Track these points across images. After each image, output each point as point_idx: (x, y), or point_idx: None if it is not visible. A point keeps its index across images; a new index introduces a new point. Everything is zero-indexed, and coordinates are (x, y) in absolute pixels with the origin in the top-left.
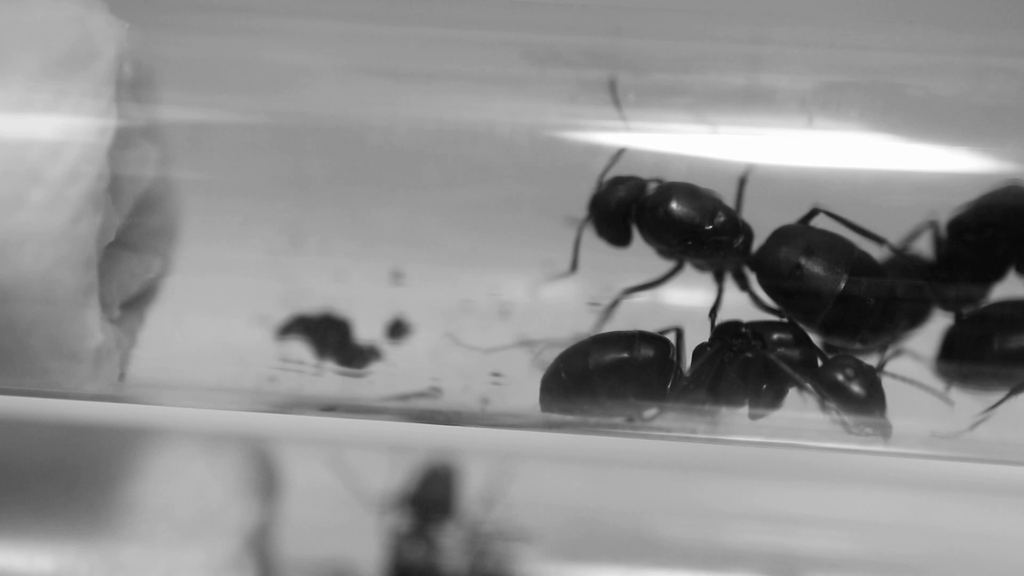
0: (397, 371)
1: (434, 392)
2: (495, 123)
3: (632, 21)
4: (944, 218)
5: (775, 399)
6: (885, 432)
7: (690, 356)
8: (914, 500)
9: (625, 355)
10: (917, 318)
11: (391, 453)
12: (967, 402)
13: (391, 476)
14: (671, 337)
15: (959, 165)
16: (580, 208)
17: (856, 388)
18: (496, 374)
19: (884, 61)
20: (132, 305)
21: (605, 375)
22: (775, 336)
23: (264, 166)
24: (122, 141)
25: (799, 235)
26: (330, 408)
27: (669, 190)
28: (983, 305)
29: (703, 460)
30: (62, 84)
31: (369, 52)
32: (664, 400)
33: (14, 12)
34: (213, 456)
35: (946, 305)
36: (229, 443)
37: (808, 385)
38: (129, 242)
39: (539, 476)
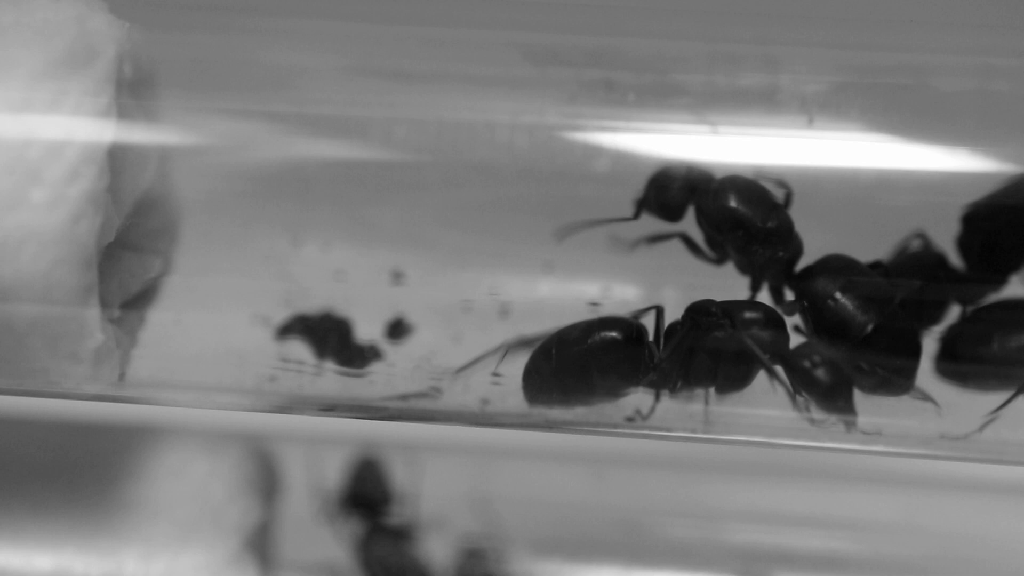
0: (397, 371)
1: (434, 392)
2: (495, 123)
3: (633, 21)
4: (959, 212)
5: (742, 380)
6: (849, 424)
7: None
8: (914, 500)
9: (587, 343)
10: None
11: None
12: (968, 403)
13: (321, 479)
14: (651, 316)
15: (960, 165)
16: (579, 209)
17: (821, 376)
18: (496, 374)
19: (885, 61)
20: (132, 305)
21: (573, 365)
22: (746, 316)
23: (264, 166)
24: (122, 141)
25: (844, 268)
26: (330, 408)
27: (733, 181)
28: (983, 304)
29: (701, 459)
30: (62, 84)
31: (369, 52)
32: (638, 383)
33: (14, 12)
34: (213, 456)
35: (964, 302)
36: (229, 443)
37: (775, 368)
38: (129, 242)
39: (537, 475)
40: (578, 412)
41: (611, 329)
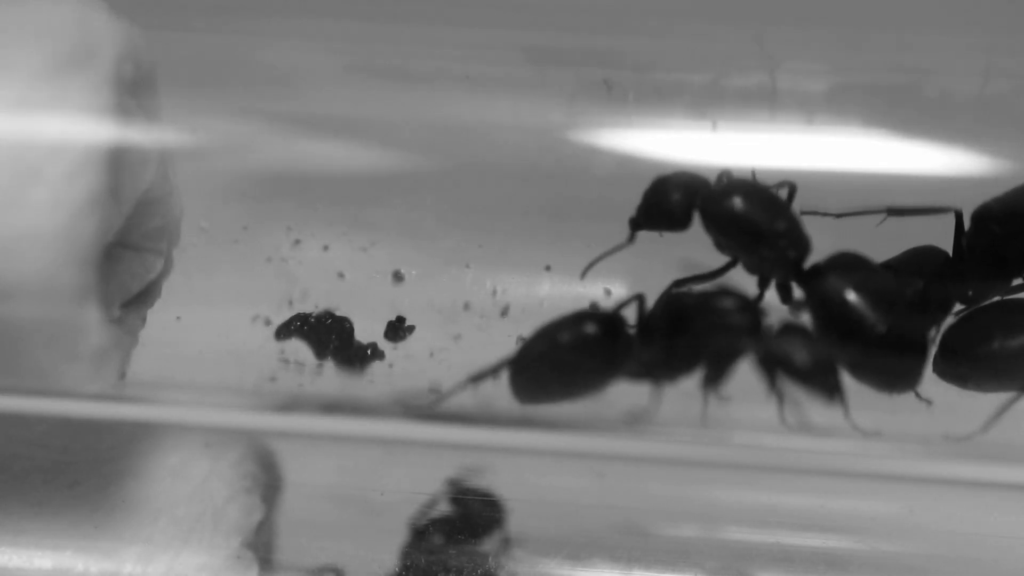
0: (397, 371)
1: (434, 392)
2: (495, 123)
3: (633, 21)
4: (970, 211)
5: (722, 368)
6: (832, 406)
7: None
8: (914, 500)
9: (565, 338)
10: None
11: (392, 453)
12: (968, 403)
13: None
14: (633, 306)
15: (959, 165)
16: (579, 209)
17: (800, 359)
18: (496, 374)
19: (885, 61)
20: (133, 304)
21: (554, 361)
22: (725, 305)
23: (264, 166)
24: (122, 141)
25: (856, 268)
26: (330, 408)
27: (738, 185)
28: (984, 304)
29: (703, 459)
30: (62, 84)
31: (369, 52)
32: (618, 374)
33: (15, 12)
34: (214, 455)
35: (968, 302)
36: (230, 442)
37: (753, 356)
38: (129, 242)
39: (537, 475)
40: (575, 411)
41: (587, 323)
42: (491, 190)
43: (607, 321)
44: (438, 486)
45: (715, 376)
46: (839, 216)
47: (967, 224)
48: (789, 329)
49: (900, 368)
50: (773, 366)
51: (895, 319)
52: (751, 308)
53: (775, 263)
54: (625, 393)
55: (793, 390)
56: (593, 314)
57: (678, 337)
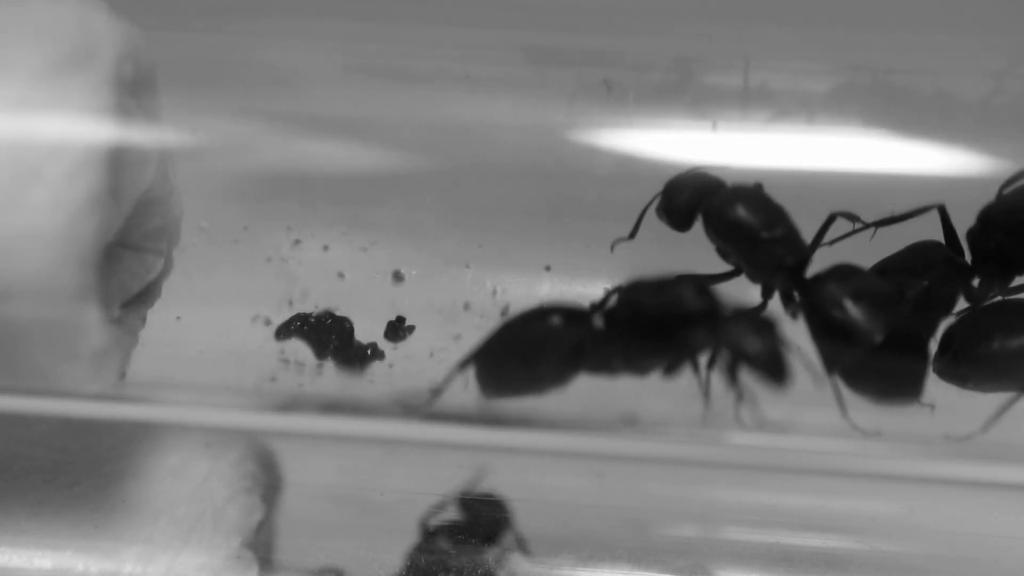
0: (397, 371)
1: (434, 392)
2: (496, 123)
3: (632, 21)
4: (969, 209)
5: (678, 359)
6: (779, 392)
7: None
8: (914, 500)
9: (527, 331)
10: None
11: (392, 453)
12: (969, 403)
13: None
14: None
15: (959, 165)
16: (579, 209)
17: (750, 345)
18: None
19: (885, 61)
20: (133, 304)
21: (517, 354)
22: (677, 292)
23: (264, 166)
24: (122, 141)
25: (855, 275)
26: (330, 408)
27: (739, 192)
28: (985, 304)
29: (703, 459)
30: (62, 84)
31: (369, 52)
32: (581, 368)
33: (15, 12)
34: (214, 455)
35: (970, 300)
36: (230, 442)
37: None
38: (129, 242)
39: (537, 475)
40: (575, 411)
41: (550, 316)
42: (491, 190)
43: (571, 314)
44: (448, 490)
45: (677, 366)
46: (832, 243)
47: (972, 223)
48: (739, 314)
49: (899, 380)
50: (729, 354)
51: (893, 330)
52: (707, 294)
53: (773, 270)
54: (625, 394)
55: (748, 379)
56: (557, 307)
57: (639, 327)
